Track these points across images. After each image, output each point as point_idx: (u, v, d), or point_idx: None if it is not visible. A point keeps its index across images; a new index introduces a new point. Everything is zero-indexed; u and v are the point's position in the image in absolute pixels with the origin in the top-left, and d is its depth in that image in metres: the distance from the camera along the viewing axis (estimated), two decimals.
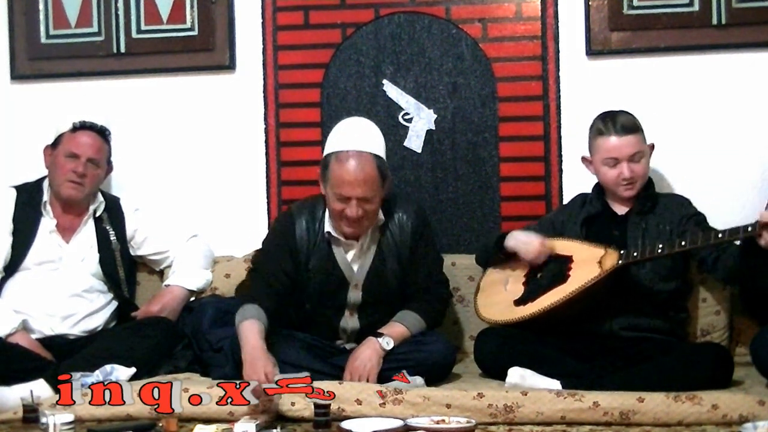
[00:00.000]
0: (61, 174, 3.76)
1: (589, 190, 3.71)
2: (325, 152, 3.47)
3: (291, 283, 3.48)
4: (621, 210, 3.59)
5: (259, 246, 3.64)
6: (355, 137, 3.44)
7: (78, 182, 3.75)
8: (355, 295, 3.51)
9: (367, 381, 3.27)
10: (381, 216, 3.49)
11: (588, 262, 3.42)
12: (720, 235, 3.23)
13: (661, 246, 3.31)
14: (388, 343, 3.37)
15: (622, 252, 3.38)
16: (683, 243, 3.29)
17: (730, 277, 3.47)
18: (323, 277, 3.48)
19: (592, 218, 3.59)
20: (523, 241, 3.54)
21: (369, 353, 3.35)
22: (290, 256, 3.48)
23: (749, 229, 3.16)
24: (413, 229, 3.52)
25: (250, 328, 3.30)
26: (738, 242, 3.31)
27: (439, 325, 3.60)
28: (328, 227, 3.48)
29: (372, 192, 3.39)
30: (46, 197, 3.80)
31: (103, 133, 3.83)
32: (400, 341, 3.40)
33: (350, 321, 3.53)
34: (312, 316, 3.53)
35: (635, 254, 3.35)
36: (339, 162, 3.38)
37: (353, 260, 3.50)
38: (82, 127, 3.80)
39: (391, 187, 3.55)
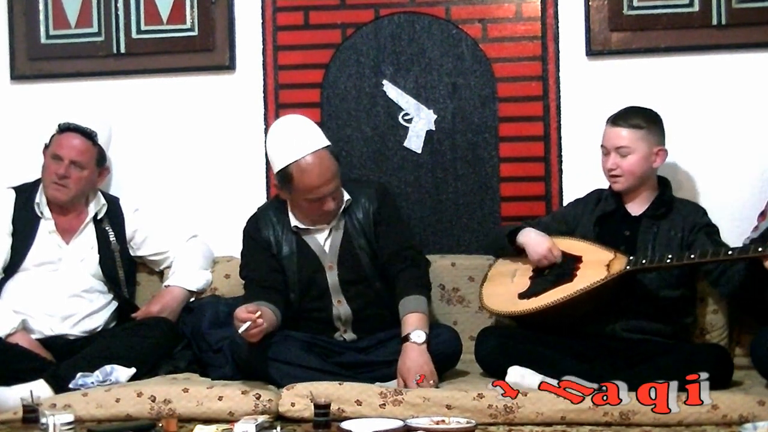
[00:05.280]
0: (47, 176, 3.76)
1: (589, 190, 3.72)
2: (280, 165, 3.47)
3: (281, 277, 3.53)
4: (635, 211, 3.57)
5: (239, 258, 3.69)
6: (303, 139, 3.48)
7: (61, 184, 3.73)
8: (332, 276, 3.54)
9: (432, 382, 3.26)
10: (346, 195, 3.57)
11: (596, 264, 3.42)
12: (729, 253, 3.24)
13: (670, 257, 3.31)
14: (419, 336, 3.35)
15: (631, 258, 3.38)
16: (692, 256, 3.29)
17: (733, 293, 3.47)
18: (298, 260, 3.53)
19: (605, 216, 3.59)
20: (534, 242, 3.54)
21: (413, 355, 3.32)
22: (267, 253, 3.55)
23: (759, 249, 3.17)
24: (375, 210, 3.58)
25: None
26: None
27: (430, 289, 3.59)
28: (294, 222, 3.54)
29: (338, 181, 3.51)
30: (43, 198, 3.80)
31: (89, 135, 3.79)
32: (425, 326, 3.38)
33: (341, 308, 3.53)
34: (302, 311, 3.53)
35: (643, 261, 3.35)
36: (302, 170, 3.43)
37: (323, 242, 3.55)
38: (68, 129, 3.78)
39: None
